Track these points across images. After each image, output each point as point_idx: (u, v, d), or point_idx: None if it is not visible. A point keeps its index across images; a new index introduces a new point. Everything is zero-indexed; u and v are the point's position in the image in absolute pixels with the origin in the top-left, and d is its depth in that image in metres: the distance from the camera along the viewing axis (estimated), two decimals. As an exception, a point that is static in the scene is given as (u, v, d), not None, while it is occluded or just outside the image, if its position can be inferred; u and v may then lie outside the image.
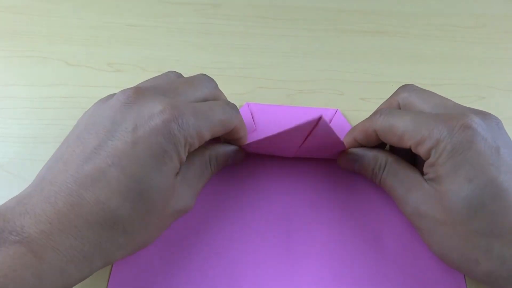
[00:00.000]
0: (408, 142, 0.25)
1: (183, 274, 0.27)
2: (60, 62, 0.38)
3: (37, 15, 0.41)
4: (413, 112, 0.26)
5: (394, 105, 0.29)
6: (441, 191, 0.24)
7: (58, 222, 0.20)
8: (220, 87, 0.29)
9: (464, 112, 0.24)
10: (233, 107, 0.27)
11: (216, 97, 0.28)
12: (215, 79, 0.28)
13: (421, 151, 0.24)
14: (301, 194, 0.31)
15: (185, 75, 0.29)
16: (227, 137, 0.29)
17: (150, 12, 0.41)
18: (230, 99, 0.35)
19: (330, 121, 0.34)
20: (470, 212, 0.23)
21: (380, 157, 0.28)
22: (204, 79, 0.27)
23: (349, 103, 0.36)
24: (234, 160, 0.30)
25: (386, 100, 0.30)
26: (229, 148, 0.29)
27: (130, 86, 0.26)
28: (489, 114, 0.25)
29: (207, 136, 0.25)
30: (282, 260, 0.28)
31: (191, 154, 0.25)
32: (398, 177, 0.27)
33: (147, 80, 0.28)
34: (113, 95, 0.26)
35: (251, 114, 0.34)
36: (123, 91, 0.24)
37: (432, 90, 0.29)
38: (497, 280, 0.23)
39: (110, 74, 0.37)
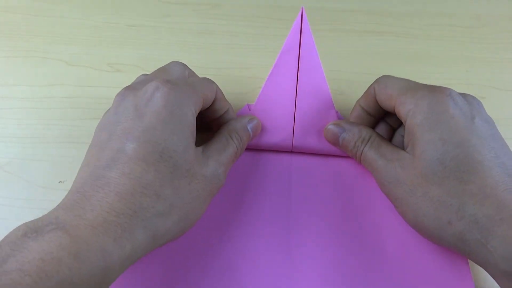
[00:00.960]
0: (394, 99, 0.27)
1: (183, 276, 0.27)
2: (60, 62, 0.38)
3: (37, 15, 0.41)
4: (409, 80, 0.28)
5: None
6: (417, 154, 0.25)
7: (89, 204, 0.21)
8: (220, 87, 0.29)
9: (447, 87, 0.26)
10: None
11: (190, 76, 0.30)
12: (215, 79, 0.28)
13: (402, 111, 0.26)
14: (300, 194, 0.31)
15: (185, 75, 0.29)
16: (216, 112, 0.29)
17: (150, 12, 0.41)
18: (230, 99, 0.35)
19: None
20: (444, 171, 0.23)
21: (365, 131, 0.29)
22: (174, 64, 0.29)
23: (349, 103, 0.36)
24: (254, 128, 0.30)
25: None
26: (244, 119, 0.30)
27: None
28: (471, 95, 0.27)
29: (200, 93, 0.26)
30: (283, 261, 0.28)
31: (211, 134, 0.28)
32: (380, 150, 0.28)
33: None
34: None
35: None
36: (117, 94, 0.26)
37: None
38: (469, 243, 0.23)
39: (110, 74, 0.37)
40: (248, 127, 0.29)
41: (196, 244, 0.28)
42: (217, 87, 0.28)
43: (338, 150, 0.31)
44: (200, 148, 0.26)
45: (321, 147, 0.31)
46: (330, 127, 0.30)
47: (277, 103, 0.31)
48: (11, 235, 0.19)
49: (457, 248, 0.24)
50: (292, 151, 0.32)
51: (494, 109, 0.37)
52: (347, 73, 0.38)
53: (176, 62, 0.29)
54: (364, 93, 0.30)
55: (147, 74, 0.29)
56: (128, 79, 0.36)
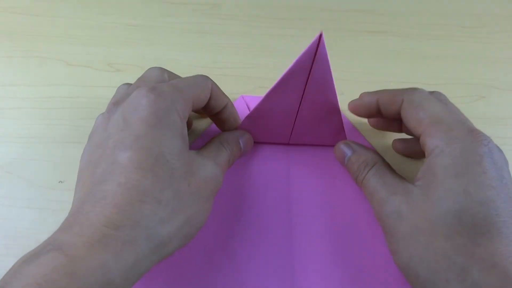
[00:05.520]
0: (424, 127, 0.24)
1: (186, 270, 0.27)
2: (60, 62, 0.38)
3: (37, 15, 0.41)
4: (446, 106, 0.25)
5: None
6: (433, 198, 0.22)
7: (87, 220, 0.20)
8: (221, 87, 0.29)
9: (485, 134, 0.24)
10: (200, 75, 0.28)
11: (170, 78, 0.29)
12: (215, 79, 0.28)
13: (428, 143, 0.24)
14: (300, 184, 0.31)
15: (184, 75, 0.29)
16: (213, 108, 0.28)
17: (150, 12, 0.41)
18: (230, 99, 0.35)
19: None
20: (458, 226, 0.22)
21: (371, 155, 0.27)
22: (151, 70, 0.28)
23: (349, 103, 0.36)
24: (245, 142, 0.30)
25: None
26: (235, 132, 0.30)
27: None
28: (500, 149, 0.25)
29: (190, 96, 0.25)
30: (284, 252, 0.28)
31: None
32: (384, 179, 0.26)
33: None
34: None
35: (247, 106, 0.34)
36: (101, 113, 0.26)
37: (432, 90, 0.29)
38: None
39: (110, 74, 0.37)
40: (240, 141, 0.29)
41: (196, 242, 0.28)
42: (213, 83, 0.28)
43: (333, 141, 0.31)
44: (194, 152, 0.25)
45: (318, 141, 0.32)
46: (340, 146, 0.29)
47: (277, 112, 0.29)
48: (14, 264, 0.19)
49: None
50: (289, 143, 0.32)
51: (494, 109, 0.37)
52: (347, 73, 0.38)
53: (153, 67, 0.28)
54: (389, 92, 0.28)
55: (129, 84, 0.28)
56: (128, 79, 0.36)
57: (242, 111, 0.33)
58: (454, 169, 0.22)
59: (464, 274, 0.21)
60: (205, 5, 0.42)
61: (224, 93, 0.29)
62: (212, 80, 0.28)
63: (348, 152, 0.29)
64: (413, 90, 0.27)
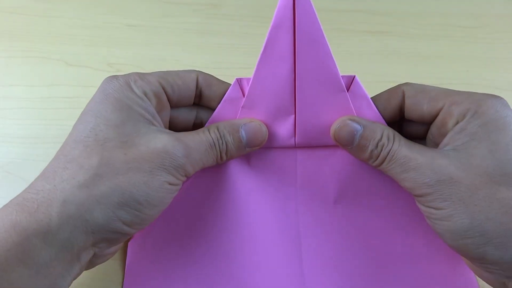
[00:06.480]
0: (443, 100, 0.24)
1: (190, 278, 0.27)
2: (60, 62, 0.38)
3: (37, 15, 0.41)
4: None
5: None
6: (481, 152, 0.22)
7: (22, 192, 0.22)
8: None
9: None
10: None
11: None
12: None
13: (458, 110, 0.23)
14: (307, 191, 0.28)
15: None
16: (213, 98, 0.27)
17: (150, 12, 0.41)
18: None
19: (348, 89, 0.28)
20: None
21: (386, 127, 0.25)
22: None
23: (349, 103, 0.36)
24: (250, 132, 0.26)
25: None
26: (238, 120, 0.26)
27: None
28: None
29: (155, 78, 0.25)
30: (292, 257, 0.27)
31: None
32: (415, 147, 0.24)
33: None
34: None
35: (242, 92, 0.27)
36: None
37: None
38: None
39: (110, 74, 0.37)
40: (241, 130, 0.25)
41: (199, 250, 0.27)
42: (202, 74, 0.27)
43: None
44: (156, 128, 0.24)
45: (329, 139, 0.27)
46: (345, 124, 0.25)
47: (272, 94, 0.25)
48: None
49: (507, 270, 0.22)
50: (296, 146, 0.28)
51: (494, 109, 0.37)
52: (346, 73, 0.38)
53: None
54: (381, 95, 0.28)
55: None
56: (128, 79, 0.36)
57: (237, 100, 0.26)
58: (495, 124, 0.23)
59: None
60: (205, 5, 0.42)
61: (222, 81, 0.27)
62: (200, 72, 0.27)
63: (357, 129, 0.25)
64: (406, 83, 0.27)
